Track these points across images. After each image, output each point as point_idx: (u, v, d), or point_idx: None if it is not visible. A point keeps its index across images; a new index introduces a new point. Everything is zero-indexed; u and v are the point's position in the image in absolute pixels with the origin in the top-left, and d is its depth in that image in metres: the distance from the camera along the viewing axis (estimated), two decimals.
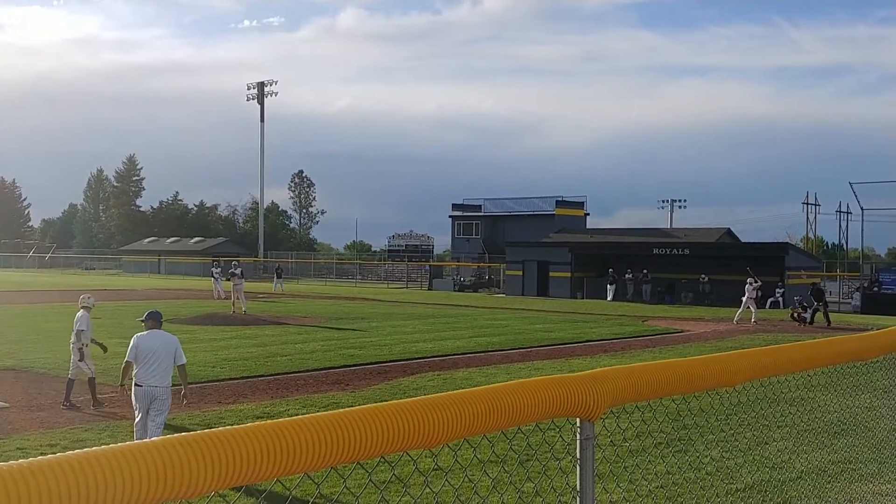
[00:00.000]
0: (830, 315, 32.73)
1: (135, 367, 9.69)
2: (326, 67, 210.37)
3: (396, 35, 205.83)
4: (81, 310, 13.70)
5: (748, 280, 32.81)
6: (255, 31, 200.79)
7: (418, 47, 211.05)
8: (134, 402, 9.75)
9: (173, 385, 9.95)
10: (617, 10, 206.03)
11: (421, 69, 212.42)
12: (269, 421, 1.86)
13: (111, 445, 1.62)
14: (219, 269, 44.28)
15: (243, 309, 32.09)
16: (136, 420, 9.75)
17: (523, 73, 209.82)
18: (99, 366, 17.02)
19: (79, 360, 13.26)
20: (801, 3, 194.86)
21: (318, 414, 1.94)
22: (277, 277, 53.33)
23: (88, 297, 14.00)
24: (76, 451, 1.59)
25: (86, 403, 13.14)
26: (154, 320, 10.10)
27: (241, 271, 34.34)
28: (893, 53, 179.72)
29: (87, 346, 13.45)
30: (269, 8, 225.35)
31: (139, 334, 9.95)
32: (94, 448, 1.61)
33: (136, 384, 9.65)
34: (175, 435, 1.69)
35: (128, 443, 1.65)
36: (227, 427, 1.79)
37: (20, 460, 1.52)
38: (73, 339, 13.44)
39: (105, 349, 14.13)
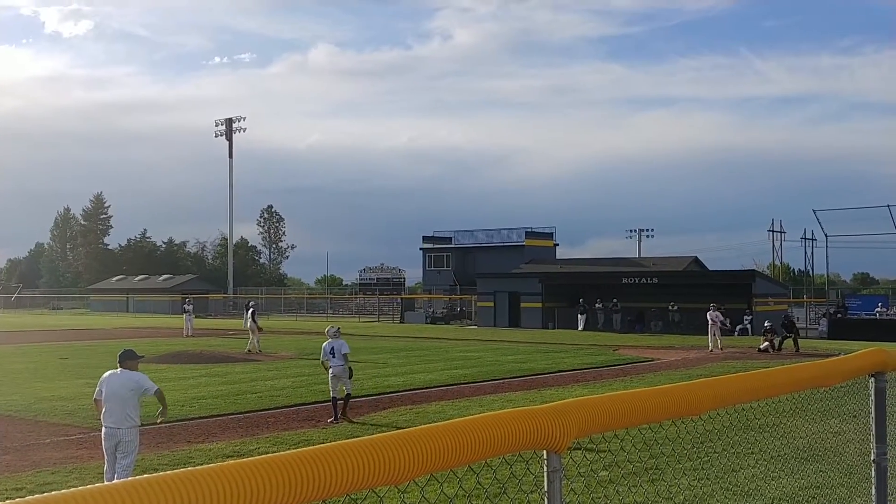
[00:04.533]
0: (799, 341, 33.12)
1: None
2: (298, 103, 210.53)
3: (368, 70, 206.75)
4: (331, 339, 15.93)
5: (711, 304, 33.23)
6: (225, 67, 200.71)
7: (389, 82, 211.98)
8: (102, 445, 9.63)
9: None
10: (586, 43, 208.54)
11: (392, 104, 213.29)
12: (233, 461, 1.86)
13: (74, 489, 1.62)
14: (191, 306, 43.87)
15: (248, 348, 32.03)
16: (105, 466, 9.62)
17: (493, 106, 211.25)
18: (66, 406, 16.80)
19: (349, 378, 15.81)
20: (765, 34, 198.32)
21: (283, 453, 1.94)
22: (247, 310, 52.85)
23: (336, 328, 16.42)
24: (38, 495, 1.59)
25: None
26: (122, 359, 9.86)
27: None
28: (856, 82, 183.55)
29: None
30: (240, 44, 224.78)
31: (107, 373, 9.82)
32: (56, 492, 1.60)
33: (102, 425, 9.56)
34: (138, 477, 1.69)
35: (90, 486, 1.64)
36: (192, 468, 1.79)
37: None
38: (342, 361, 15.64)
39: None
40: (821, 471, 9.81)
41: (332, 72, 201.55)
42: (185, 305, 44.35)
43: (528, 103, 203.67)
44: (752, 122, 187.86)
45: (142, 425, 9.84)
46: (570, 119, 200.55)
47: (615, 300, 49.64)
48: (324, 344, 16.01)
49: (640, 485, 9.60)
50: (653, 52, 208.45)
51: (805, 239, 60.89)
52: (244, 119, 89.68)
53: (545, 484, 2.79)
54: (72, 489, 1.60)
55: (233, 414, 16.09)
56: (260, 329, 32.89)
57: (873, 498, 5.15)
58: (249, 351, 31.53)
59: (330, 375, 15.58)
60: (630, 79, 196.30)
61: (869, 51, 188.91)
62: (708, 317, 32.93)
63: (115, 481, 1.68)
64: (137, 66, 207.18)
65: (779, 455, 11.16)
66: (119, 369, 9.75)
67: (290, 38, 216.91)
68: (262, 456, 1.92)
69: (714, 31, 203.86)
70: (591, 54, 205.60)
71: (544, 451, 2.76)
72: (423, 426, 2.30)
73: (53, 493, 1.58)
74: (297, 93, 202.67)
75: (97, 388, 9.73)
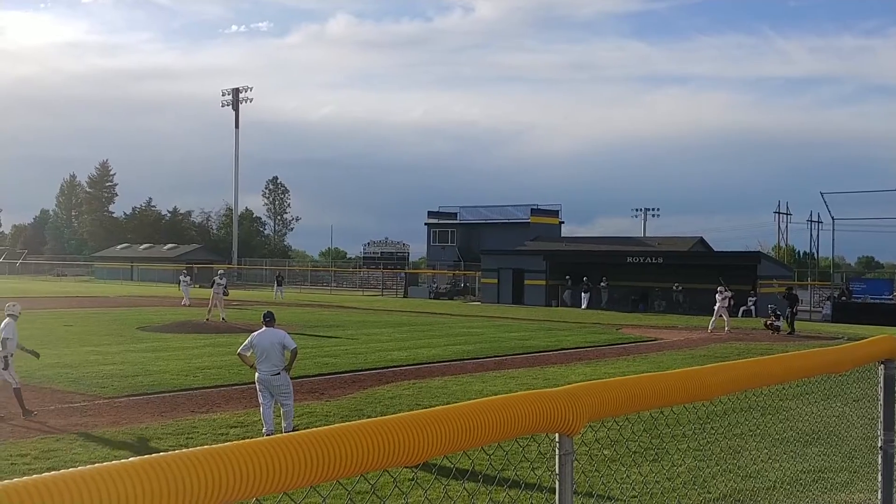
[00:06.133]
0: (798, 322, 32.91)
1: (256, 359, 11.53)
2: (313, 73, 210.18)
3: (386, 42, 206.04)
4: (8, 318, 13.26)
5: (717, 288, 33.02)
6: (242, 36, 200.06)
7: (407, 54, 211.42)
8: (257, 388, 11.58)
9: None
10: (609, 19, 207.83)
11: (409, 76, 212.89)
12: (244, 440, 1.84)
13: (80, 468, 1.59)
14: (188, 277, 44.01)
15: (221, 317, 32.02)
16: (262, 408, 11.57)
17: (511, 81, 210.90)
18: (71, 374, 16.85)
19: (2, 369, 12.93)
20: (790, 13, 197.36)
21: (296, 433, 1.92)
22: (278, 285, 52.97)
23: (14, 305, 13.58)
24: (30, 477, 1.56)
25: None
26: (268, 320, 11.86)
27: (226, 282, 34.38)
28: (877, 64, 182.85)
29: (12, 355, 13.08)
30: (258, 13, 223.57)
31: (257, 332, 11.77)
32: (64, 471, 1.58)
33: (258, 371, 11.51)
34: (145, 457, 1.66)
35: (101, 464, 1.61)
36: (202, 447, 1.76)
37: None
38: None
39: (37, 356, 13.98)
40: (823, 454, 9.82)
41: (350, 43, 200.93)
42: (182, 276, 44.58)
43: (547, 79, 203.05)
44: (765, 103, 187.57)
45: None
46: (587, 96, 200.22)
47: (604, 278, 50.12)
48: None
49: (644, 464, 9.61)
50: (676, 29, 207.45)
51: (811, 221, 60.60)
52: (251, 89, 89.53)
53: (556, 466, 2.77)
54: (80, 469, 1.57)
55: (236, 385, 16.12)
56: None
57: (879, 484, 5.13)
58: (224, 319, 31.83)
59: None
60: (651, 56, 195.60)
61: (892, 32, 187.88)
62: (716, 298, 32.70)
63: (139, 458, 1.65)
64: (154, 34, 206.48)
65: (782, 438, 11.17)
66: (264, 328, 11.68)
67: (310, 8, 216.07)
68: (276, 436, 1.90)
69: (739, 8, 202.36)
70: (613, 30, 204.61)
71: (556, 434, 2.73)
72: (436, 408, 2.27)
73: (64, 471, 1.55)
74: (313, 63, 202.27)
75: (245, 343, 11.63)
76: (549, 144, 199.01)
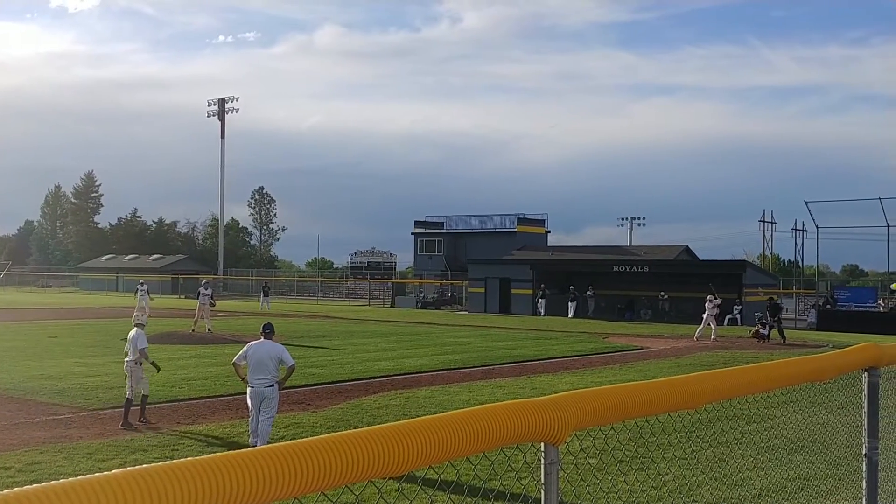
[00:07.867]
0: (785, 331, 33.01)
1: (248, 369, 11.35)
2: (301, 84, 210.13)
3: (374, 52, 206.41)
4: (136, 328, 13.82)
5: (708, 297, 33.06)
6: (229, 46, 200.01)
7: (395, 65, 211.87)
8: (248, 401, 11.38)
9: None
10: (596, 29, 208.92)
11: (397, 86, 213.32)
12: (229, 452, 1.83)
13: (64, 481, 1.58)
14: (145, 286, 44.03)
15: (207, 328, 31.82)
16: (251, 417, 11.44)
17: (499, 90, 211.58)
18: (55, 385, 16.72)
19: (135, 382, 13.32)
20: (776, 23, 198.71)
21: (281, 444, 1.91)
22: (264, 296, 52.68)
23: (141, 315, 14.37)
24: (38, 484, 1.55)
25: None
26: (267, 332, 11.72)
27: (211, 292, 34.18)
28: (862, 74, 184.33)
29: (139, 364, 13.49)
30: (245, 23, 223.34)
31: (253, 342, 11.60)
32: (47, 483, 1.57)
33: (249, 385, 11.33)
34: (129, 469, 1.66)
35: (85, 477, 1.61)
36: (186, 459, 1.76)
37: None
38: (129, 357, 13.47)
39: (158, 368, 14.22)
40: (809, 462, 9.85)
41: (338, 53, 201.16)
42: (139, 286, 44.59)
43: (534, 89, 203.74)
44: (751, 112, 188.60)
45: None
46: (575, 105, 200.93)
47: (591, 286, 50.27)
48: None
49: (631, 472, 9.62)
50: (663, 40, 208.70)
51: (796, 230, 61.02)
52: (237, 99, 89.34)
53: (542, 476, 2.77)
54: (63, 481, 1.56)
55: (222, 396, 16.06)
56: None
57: (864, 492, 5.16)
58: (210, 330, 31.74)
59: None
60: (638, 66, 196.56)
61: (877, 42, 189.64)
62: (706, 307, 32.70)
63: (123, 470, 1.64)
64: (141, 44, 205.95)
65: (768, 446, 11.20)
66: (262, 339, 11.51)
67: (297, 18, 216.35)
68: (261, 447, 1.90)
69: (726, 19, 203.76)
70: (601, 41, 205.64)
71: (542, 443, 2.73)
72: (422, 418, 2.27)
73: (63, 481, 1.54)
74: (301, 73, 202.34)
75: (241, 353, 11.46)
76: (536, 154, 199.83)
